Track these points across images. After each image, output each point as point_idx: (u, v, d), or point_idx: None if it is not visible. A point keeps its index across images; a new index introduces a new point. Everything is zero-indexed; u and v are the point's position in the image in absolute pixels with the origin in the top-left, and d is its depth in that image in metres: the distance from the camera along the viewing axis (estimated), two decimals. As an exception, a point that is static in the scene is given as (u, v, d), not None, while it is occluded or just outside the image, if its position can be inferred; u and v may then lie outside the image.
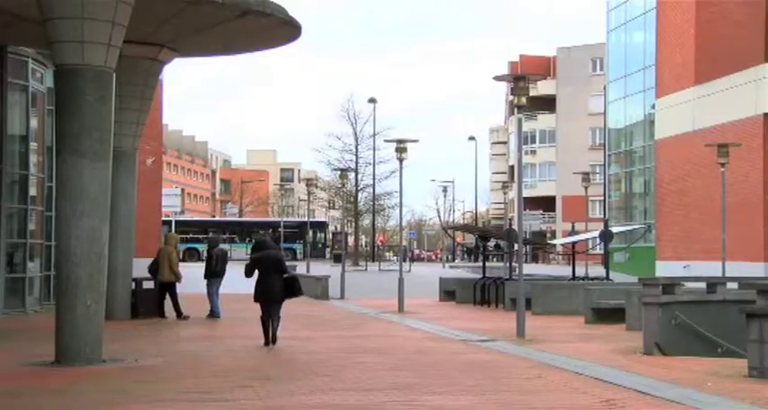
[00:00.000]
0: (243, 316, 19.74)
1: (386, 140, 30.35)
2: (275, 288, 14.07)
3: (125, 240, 19.06)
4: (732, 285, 15.49)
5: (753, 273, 27.48)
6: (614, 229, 34.58)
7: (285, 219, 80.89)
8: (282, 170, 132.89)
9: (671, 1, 38.89)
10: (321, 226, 76.01)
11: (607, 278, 28.04)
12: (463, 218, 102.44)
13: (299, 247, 68.60)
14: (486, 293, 25.17)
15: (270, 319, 14.15)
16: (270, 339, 14.17)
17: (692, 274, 28.46)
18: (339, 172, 50.79)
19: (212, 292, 19.92)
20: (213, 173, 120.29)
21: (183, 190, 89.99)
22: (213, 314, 19.74)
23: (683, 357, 12.99)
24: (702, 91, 35.52)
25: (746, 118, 32.38)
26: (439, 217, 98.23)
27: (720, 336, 14.09)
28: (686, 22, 37.11)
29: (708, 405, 8.67)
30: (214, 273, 19.97)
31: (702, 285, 15.78)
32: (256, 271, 14.30)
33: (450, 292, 27.50)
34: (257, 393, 9.46)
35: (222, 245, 21.29)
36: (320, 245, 72.26)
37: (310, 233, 59.26)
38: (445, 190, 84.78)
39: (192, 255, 63.41)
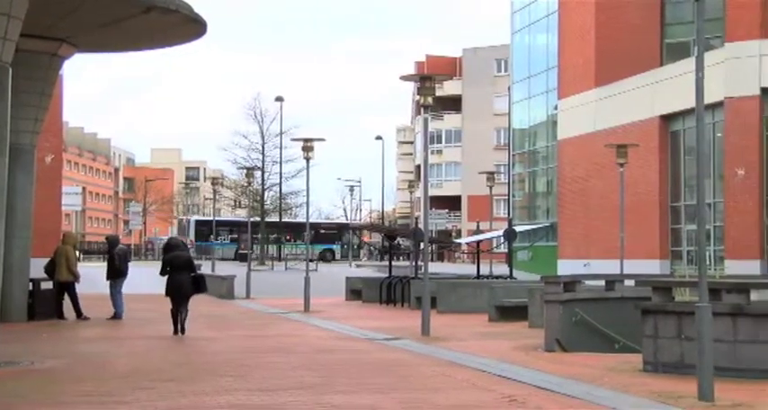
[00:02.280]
0: (146, 316, 19.43)
1: (292, 139, 30.24)
2: (185, 284, 15.78)
3: (21, 239, 18.51)
4: (630, 282, 15.90)
5: (649, 271, 28.28)
6: (518, 228, 35.22)
7: (323, 221, 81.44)
8: (188, 168, 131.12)
9: (572, 5, 39.74)
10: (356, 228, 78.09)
11: (511, 276, 28.52)
12: (370, 218, 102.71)
13: (337, 248, 72.20)
14: (392, 292, 25.30)
15: (179, 312, 15.81)
16: (179, 329, 15.74)
17: (592, 272, 29.17)
18: (245, 170, 50.34)
19: (115, 292, 19.49)
20: (116, 171, 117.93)
21: (84, 188, 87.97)
22: (117, 315, 19.32)
23: (582, 353, 13.31)
24: (603, 93, 36.42)
25: (644, 119, 33.34)
26: (346, 216, 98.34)
27: (619, 332, 14.48)
28: (587, 26, 37.99)
29: (603, 399, 8.91)
30: (117, 273, 19.53)
31: (602, 283, 16.18)
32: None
33: (356, 291, 27.57)
34: (160, 394, 9.32)
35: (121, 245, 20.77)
36: (356, 247, 74.51)
37: (348, 234, 64.64)
38: (352, 189, 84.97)
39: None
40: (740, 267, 26.54)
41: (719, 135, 29.65)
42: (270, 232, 66.98)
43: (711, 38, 30.54)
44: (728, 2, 29.41)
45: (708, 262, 21.85)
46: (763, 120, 28.44)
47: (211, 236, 53.72)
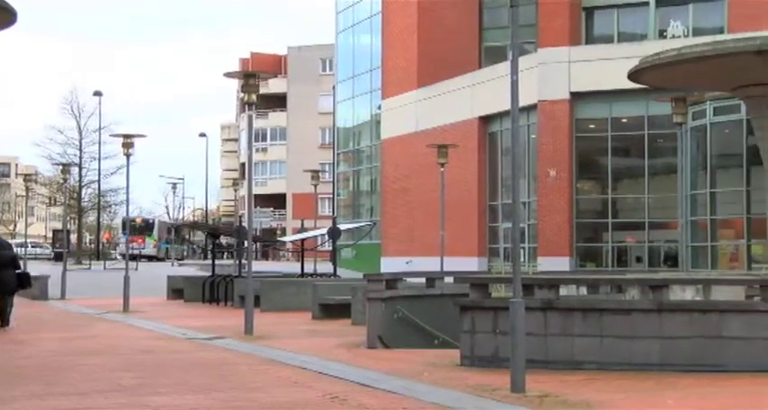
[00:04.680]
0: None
1: (111, 135, 29.36)
2: (10, 280, 16.74)
3: None
4: (450, 279, 16.34)
5: (468, 268, 29.20)
6: (342, 227, 35.47)
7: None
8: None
9: (395, 7, 40.45)
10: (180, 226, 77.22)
11: (335, 274, 28.70)
12: (193, 216, 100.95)
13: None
14: (215, 291, 25.00)
15: (4, 306, 16.71)
16: (4, 321, 16.66)
17: (414, 269, 29.82)
18: (61, 167, 48.44)
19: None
20: None
21: None
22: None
23: (403, 349, 13.57)
24: (424, 94, 37.26)
25: (464, 120, 34.36)
26: (168, 214, 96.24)
27: (439, 328, 14.86)
28: (409, 28, 38.77)
29: (423, 394, 9.13)
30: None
31: (423, 280, 16.55)
32: None
33: (178, 290, 27.04)
34: (-35, 402, 8.85)
35: None
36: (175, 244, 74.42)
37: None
38: (175, 186, 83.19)
39: None
40: (552, 263, 27.81)
41: (534, 136, 30.91)
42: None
43: (526, 43, 31.84)
44: (540, 9, 30.71)
45: (522, 259, 22.77)
46: (572, 122, 29.85)
47: None
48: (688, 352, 10.83)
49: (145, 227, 70.38)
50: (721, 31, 28.29)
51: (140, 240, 69.12)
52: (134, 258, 57.04)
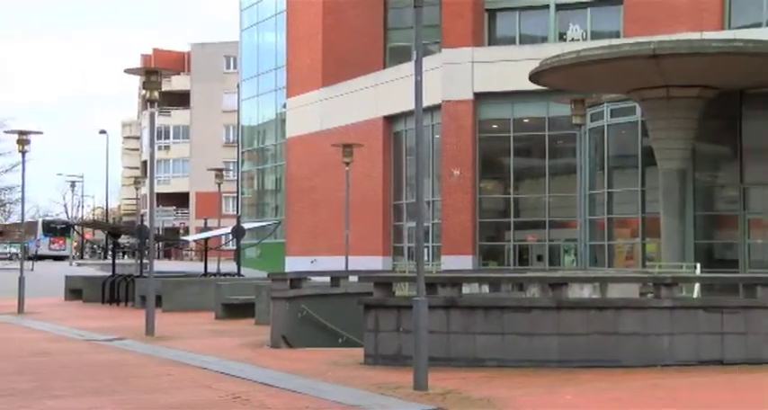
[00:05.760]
0: None
1: (6, 131, 28.48)
2: None
3: None
4: (354, 278, 16.39)
5: (373, 267, 29.29)
6: (246, 226, 35.19)
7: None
8: None
9: (300, 6, 40.30)
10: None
11: (239, 274, 28.47)
12: (93, 214, 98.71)
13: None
14: (115, 291, 24.54)
15: None
16: None
17: (319, 269, 29.79)
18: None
19: None
20: None
21: None
22: None
23: (307, 348, 13.55)
24: (329, 93, 37.22)
25: (369, 120, 34.44)
26: (66, 213, 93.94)
27: (343, 327, 14.89)
28: (314, 27, 38.67)
29: (326, 393, 9.13)
30: None
31: (327, 279, 16.55)
32: None
33: (76, 291, 26.43)
34: None
35: None
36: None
37: None
38: (73, 184, 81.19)
39: None
40: (455, 262, 28.11)
41: (438, 136, 31.19)
42: None
43: (430, 43, 32.11)
44: (444, 10, 31.00)
45: (426, 258, 22.96)
46: (476, 122, 30.22)
47: None
48: (586, 348, 11.09)
49: (65, 229, 69.17)
50: (618, 36, 29.03)
51: (61, 241, 68.46)
52: (35, 259, 55.69)
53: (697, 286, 15.63)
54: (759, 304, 11.39)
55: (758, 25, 26.91)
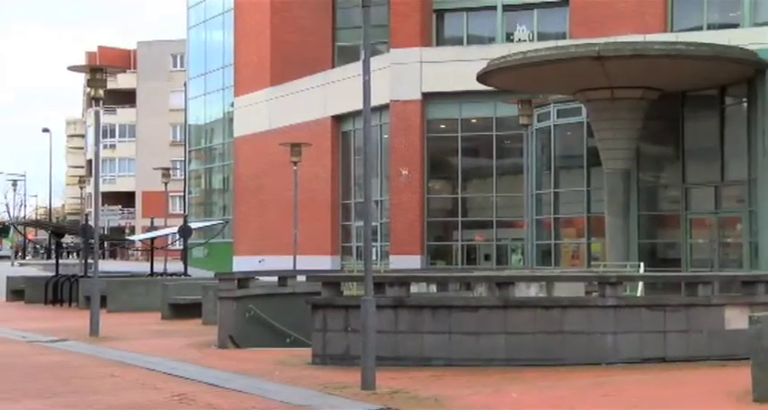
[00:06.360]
0: None
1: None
2: None
3: None
4: (302, 278, 16.34)
5: (321, 266, 29.26)
6: (193, 225, 34.89)
7: None
8: None
9: (247, 4, 40.08)
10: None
11: (185, 273, 28.24)
12: (36, 214, 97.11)
13: None
14: (59, 292, 24.17)
15: None
16: None
17: (267, 268, 29.65)
18: None
19: None
20: None
21: None
22: None
23: (255, 348, 13.49)
24: (277, 92, 37.06)
25: (317, 119, 34.36)
26: (8, 212, 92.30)
27: (291, 327, 14.84)
28: (261, 26, 38.49)
29: (273, 393, 9.11)
30: None
31: (275, 279, 16.48)
32: None
33: (18, 291, 26.00)
34: None
35: None
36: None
37: None
38: (15, 183, 79.79)
39: None
40: (404, 262, 28.18)
41: (386, 136, 31.24)
42: None
43: (378, 43, 32.12)
44: (392, 10, 31.06)
45: (374, 258, 22.99)
46: (424, 122, 30.32)
47: None
48: (532, 346, 11.20)
49: (3, 229, 68.40)
50: (564, 37, 29.32)
51: None
52: None
53: (641, 285, 15.88)
54: (700, 302, 11.60)
55: (699, 28, 27.37)
